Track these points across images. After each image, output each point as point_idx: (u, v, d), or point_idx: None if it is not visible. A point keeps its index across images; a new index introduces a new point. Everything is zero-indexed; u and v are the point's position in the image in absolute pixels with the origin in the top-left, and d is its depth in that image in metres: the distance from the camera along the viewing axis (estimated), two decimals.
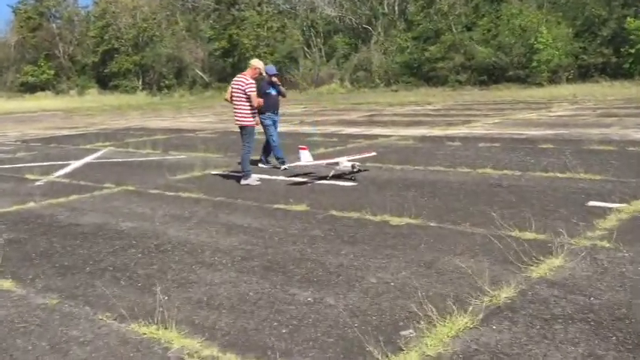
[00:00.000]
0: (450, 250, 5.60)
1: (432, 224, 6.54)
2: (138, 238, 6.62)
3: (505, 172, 9.53)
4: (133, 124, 25.41)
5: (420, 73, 47.96)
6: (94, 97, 55.23)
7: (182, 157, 13.58)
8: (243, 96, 9.68)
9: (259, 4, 56.24)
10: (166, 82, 57.95)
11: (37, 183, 10.76)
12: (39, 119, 32.59)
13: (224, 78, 55.94)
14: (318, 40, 56.63)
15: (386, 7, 55.04)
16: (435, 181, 9.06)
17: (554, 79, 40.12)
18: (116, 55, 59.45)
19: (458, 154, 11.83)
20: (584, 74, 40.87)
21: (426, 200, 7.78)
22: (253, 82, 9.78)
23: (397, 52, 50.84)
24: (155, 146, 15.51)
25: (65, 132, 22.71)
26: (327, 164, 9.67)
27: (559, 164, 9.91)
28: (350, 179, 9.47)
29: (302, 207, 7.69)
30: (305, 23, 57.81)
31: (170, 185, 9.87)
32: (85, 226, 7.29)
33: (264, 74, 10.77)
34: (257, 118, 10.26)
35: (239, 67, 53.43)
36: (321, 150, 13.40)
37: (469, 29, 47.73)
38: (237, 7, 56.41)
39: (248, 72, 9.84)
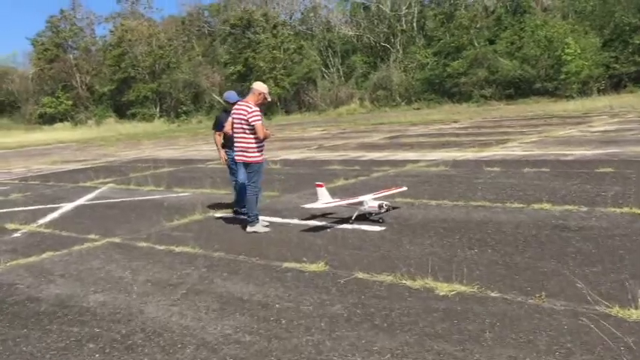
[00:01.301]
0: (530, 343, 3.93)
1: (493, 294, 4.87)
2: (104, 321, 5.05)
3: (567, 207, 7.81)
4: (143, 155, 24.11)
5: (442, 90, 46.37)
6: (111, 127, 54.41)
7: (186, 194, 12.06)
8: (247, 126, 8.07)
9: (274, 27, 55.29)
10: (184, 108, 57.08)
11: (15, 234, 9.30)
12: (51, 152, 31.53)
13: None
14: (336, 60, 55.43)
15: (404, 24, 53.71)
16: (482, 223, 7.38)
17: (584, 91, 38.21)
18: (133, 84, 58.79)
19: (502, 183, 10.14)
20: (616, 85, 38.93)
21: (477, 253, 6.10)
22: (257, 109, 8.08)
23: (417, 69, 49.36)
24: (159, 182, 14.05)
25: (71, 166, 21.43)
26: (350, 204, 8.05)
27: (632, 195, 8.17)
28: (377, 221, 7.84)
29: (319, 266, 6.07)
30: (322, 44, 56.69)
31: (164, 235, 8.33)
32: (44, 302, 5.75)
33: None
34: (222, 152, 9.28)
35: None
36: (341, 182, 11.80)
37: (492, 42, 46.14)
38: (252, 30, 55.50)
39: (250, 98, 8.14)
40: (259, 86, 8.22)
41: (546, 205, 7.97)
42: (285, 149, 20.81)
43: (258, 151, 8.12)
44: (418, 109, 44.17)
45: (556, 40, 40.48)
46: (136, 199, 12.06)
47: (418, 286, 5.22)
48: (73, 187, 14.74)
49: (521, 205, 8.14)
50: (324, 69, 55.08)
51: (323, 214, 8.58)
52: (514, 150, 14.94)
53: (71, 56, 65.61)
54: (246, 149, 8.08)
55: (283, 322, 4.68)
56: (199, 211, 9.66)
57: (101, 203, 11.84)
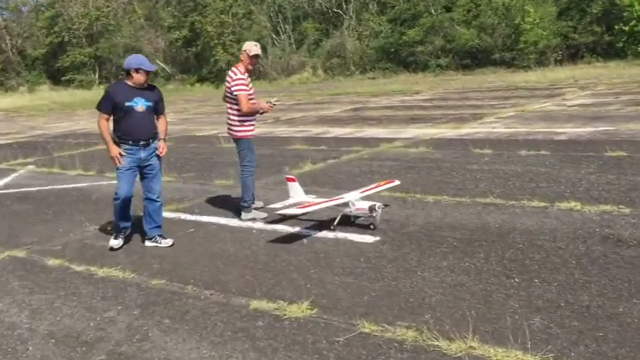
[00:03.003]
0: None
1: None
2: None
3: (603, 208, 6.20)
4: (76, 128, 21.56)
5: (397, 59, 44.66)
6: (44, 94, 50.50)
7: None
8: (231, 97, 6.81)
9: None
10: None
11: None
12: None
13: (188, 69, 51.99)
14: (287, 26, 52.95)
15: None
16: (504, 231, 5.69)
17: (542, 62, 37.24)
18: (69, 48, 54.76)
19: (502, 170, 8.51)
20: (573, 55, 38.08)
21: (522, 286, 4.40)
22: (243, 76, 6.70)
23: (372, 37, 47.53)
24: (89, 164, 11.84)
25: None
26: (332, 206, 6.21)
27: None
28: (368, 227, 6.07)
29: (302, 308, 4.26)
30: (272, 9, 54.04)
31: (86, 246, 6.34)
32: None
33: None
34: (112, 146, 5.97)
35: (204, 57, 49.58)
36: (308, 166, 9.97)
37: (448, 10, 44.55)
38: None
39: (240, 62, 6.85)
40: (246, 46, 6.84)
41: (575, 204, 6.35)
42: None
43: (244, 125, 6.84)
44: (373, 78, 42.47)
45: (514, 9, 39.29)
46: (58, 187, 9.90)
47: (456, 350, 3.48)
48: None
49: (544, 204, 6.49)
50: (274, 35, 52.58)
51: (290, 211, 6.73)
52: (495, 127, 13.38)
53: (0, 18, 60.72)
54: (231, 123, 6.91)
55: None
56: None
57: (12, 193, 9.63)
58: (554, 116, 14.46)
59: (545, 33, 37.40)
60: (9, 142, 18.08)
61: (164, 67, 53.40)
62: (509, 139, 11.42)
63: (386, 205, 6.53)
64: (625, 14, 34.92)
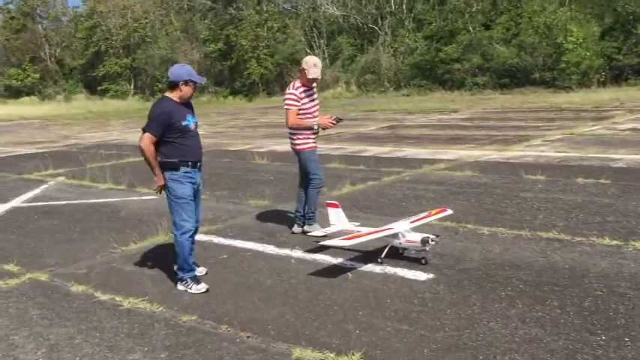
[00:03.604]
0: None
1: None
2: None
3: None
4: (109, 138, 21.40)
5: (433, 76, 43.98)
6: (80, 103, 51.06)
7: (150, 198, 9.55)
8: None
9: (258, 3, 52.31)
10: (159, 85, 53.83)
11: None
12: (8, 130, 28.57)
13: (221, 82, 52.05)
14: (321, 41, 52.75)
15: (393, 5, 51.17)
16: (576, 273, 5.05)
17: (584, 83, 36.21)
18: (105, 58, 55.35)
19: (561, 200, 7.84)
20: (617, 77, 36.97)
21: (607, 342, 3.77)
22: (295, 92, 6.45)
23: (406, 54, 46.98)
24: (120, 177, 11.49)
25: (23, 149, 18.66)
26: (379, 237, 5.64)
27: None
28: (419, 261, 5.49)
29: None
30: (307, 23, 53.91)
31: (112, 270, 5.87)
32: None
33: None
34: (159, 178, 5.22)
35: (237, 70, 49.57)
36: (347, 188, 9.42)
37: (487, 27, 43.78)
38: (234, 5, 52.46)
39: (300, 76, 6.64)
40: (305, 63, 6.55)
41: None
42: (271, 137, 18.32)
43: (299, 137, 6.61)
44: (408, 95, 41.92)
45: (556, 28, 38.38)
46: (87, 201, 9.52)
47: None
48: (14, 180, 12.11)
49: (616, 243, 5.83)
50: (308, 50, 52.38)
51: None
52: (543, 150, 12.66)
53: (40, 26, 61.74)
54: (290, 136, 6.74)
55: None
56: (165, 227, 7.17)
57: (40, 207, 9.26)
58: (606, 141, 13.67)
59: (588, 53, 36.41)
60: (42, 150, 17.93)
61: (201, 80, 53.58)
62: (562, 164, 10.73)
63: (437, 236, 5.92)
64: None
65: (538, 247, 5.87)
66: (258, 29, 49.35)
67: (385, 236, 5.55)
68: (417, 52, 46.20)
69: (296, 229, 6.88)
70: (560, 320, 4.15)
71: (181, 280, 5.20)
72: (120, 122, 30.58)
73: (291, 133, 6.67)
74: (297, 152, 6.72)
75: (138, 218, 8.05)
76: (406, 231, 5.55)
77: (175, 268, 5.27)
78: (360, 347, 3.87)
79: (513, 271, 5.20)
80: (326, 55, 52.39)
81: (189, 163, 5.18)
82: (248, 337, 4.17)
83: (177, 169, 5.12)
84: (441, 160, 11.75)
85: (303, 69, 6.47)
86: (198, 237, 6.41)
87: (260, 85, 48.78)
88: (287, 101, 6.49)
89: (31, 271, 5.92)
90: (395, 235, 5.55)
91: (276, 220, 7.57)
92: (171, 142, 5.10)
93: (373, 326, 4.22)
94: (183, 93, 5.14)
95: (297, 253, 6.09)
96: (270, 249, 6.29)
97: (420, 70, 45.12)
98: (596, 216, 6.91)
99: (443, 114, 24.91)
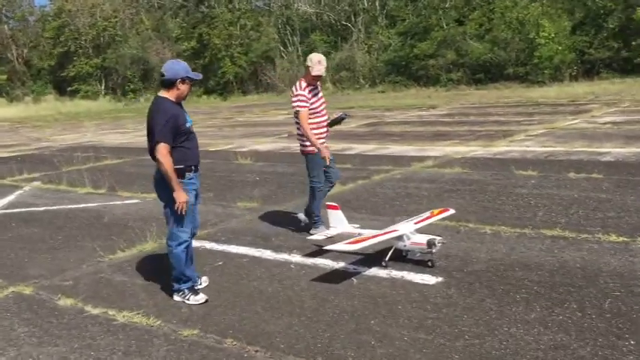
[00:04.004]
0: None
1: None
2: None
3: None
4: (83, 140, 20.84)
5: (408, 72, 44.03)
6: (50, 104, 49.89)
7: (134, 201, 9.23)
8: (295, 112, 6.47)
9: (230, 1, 51.74)
10: (131, 85, 53.04)
11: None
12: None
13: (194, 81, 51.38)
14: (295, 38, 52.46)
15: (366, 2, 51.08)
16: (589, 272, 4.89)
17: (556, 77, 36.56)
18: (75, 58, 54.25)
19: (557, 196, 7.71)
20: (589, 70, 37.38)
21: (637, 347, 3.60)
22: (304, 92, 6.25)
23: (381, 50, 46.95)
24: (99, 180, 11.10)
25: None
26: (383, 239, 5.41)
27: None
28: (426, 264, 5.29)
29: None
30: (280, 20, 53.56)
31: (102, 281, 5.55)
32: None
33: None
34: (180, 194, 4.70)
35: (211, 69, 48.95)
36: (336, 187, 9.14)
37: (461, 24, 43.95)
38: (206, 3, 51.83)
39: (305, 75, 6.40)
40: (310, 60, 6.33)
41: None
42: (250, 137, 18.01)
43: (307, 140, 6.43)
44: (383, 92, 41.86)
45: (528, 23, 38.67)
46: (67, 207, 9.13)
47: None
48: None
49: (623, 239, 5.69)
50: (282, 48, 52.06)
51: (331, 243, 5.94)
52: (528, 145, 12.59)
53: (6, 27, 60.27)
54: (299, 137, 6.57)
55: None
56: (154, 233, 6.86)
57: (17, 214, 8.84)
58: (589, 135, 13.66)
59: (560, 48, 36.74)
60: (14, 154, 17.35)
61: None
62: (550, 159, 10.64)
63: (442, 237, 5.72)
64: None
65: (544, 245, 5.70)
66: (231, 27, 48.84)
67: (391, 238, 5.31)
68: (390, 49, 46.22)
69: (313, 230, 6.65)
70: (583, 324, 3.97)
71: (178, 291, 4.91)
72: (93, 123, 29.90)
73: (300, 134, 6.49)
74: (304, 154, 6.59)
75: (123, 224, 7.71)
76: (411, 233, 5.34)
77: (171, 279, 4.97)
78: None
79: (524, 271, 5.02)
80: (300, 52, 52.13)
81: (193, 168, 4.86)
82: (256, 351, 3.92)
83: (182, 177, 4.75)
84: (429, 157, 11.59)
85: (308, 66, 6.27)
86: None
87: (234, 83, 48.30)
88: (297, 103, 6.27)
89: (13, 284, 5.57)
90: (399, 238, 5.33)
91: (269, 223, 7.31)
92: (177, 147, 4.71)
93: (388, 336, 4.00)
94: (180, 92, 4.78)
95: (296, 258, 5.84)
96: (267, 254, 6.03)
97: (394, 66, 45.13)
98: (596, 212, 6.78)
99: (422, 110, 24.83)
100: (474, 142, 13.68)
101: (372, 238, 5.18)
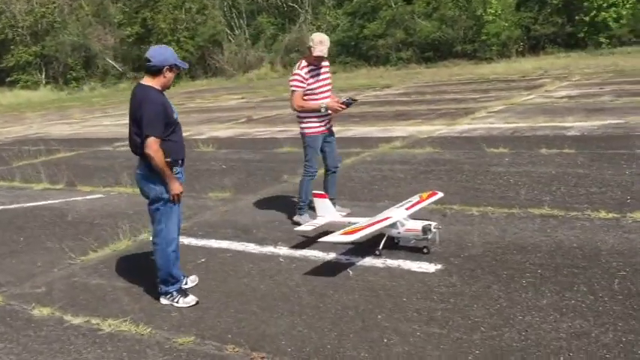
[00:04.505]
0: None
1: None
2: None
3: None
4: (30, 132, 19.90)
5: (358, 52, 43.91)
6: None
7: (97, 196, 8.75)
8: None
9: None
10: (73, 74, 51.17)
11: None
12: None
13: (140, 67, 49.93)
14: (241, 21, 51.52)
15: None
16: (588, 252, 4.81)
17: (503, 53, 37.09)
18: (12, 47, 51.90)
19: (534, 173, 7.66)
20: (535, 46, 38.03)
21: None
22: (299, 72, 6.03)
23: (329, 31, 46.62)
24: (56, 175, 10.52)
25: None
26: (376, 228, 5.19)
27: None
28: (421, 250, 5.11)
29: None
30: (226, 3, 52.47)
31: (77, 286, 5.16)
32: None
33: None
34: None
35: None
36: None
37: (409, 2, 43.99)
38: None
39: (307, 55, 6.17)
40: (311, 40, 6.05)
41: None
42: (207, 123, 17.51)
43: (304, 121, 6.22)
44: (334, 72, 41.06)
45: (475, 1, 39.02)
46: (24, 205, 8.59)
47: None
48: None
49: (613, 215, 5.65)
50: (229, 31, 51.06)
51: (321, 234, 5.71)
52: (492, 122, 12.59)
53: None
54: (297, 119, 6.33)
55: None
56: (126, 231, 6.47)
57: None
58: (548, 109, 13.78)
59: (506, 24, 37.24)
60: None
61: (115, 64, 51.32)
62: (517, 135, 10.64)
63: (433, 222, 5.55)
64: (585, 4, 34.99)
65: (535, 225, 5.61)
66: (176, 11, 47.57)
67: (384, 227, 5.10)
68: (339, 29, 45.95)
69: (296, 217, 6.46)
70: (598, 308, 3.86)
71: (165, 293, 4.59)
72: (37, 114, 28.62)
73: (298, 116, 6.26)
74: (302, 135, 6.34)
75: (89, 221, 7.28)
76: (406, 219, 5.15)
77: (157, 281, 4.64)
78: (397, 359, 3.43)
79: (523, 254, 4.90)
80: (247, 35, 51.28)
81: (180, 162, 4.54)
82: (263, 358, 3.66)
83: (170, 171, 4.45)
84: (396, 138, 11.44)
85: (309, 47, 6.02)
86: None
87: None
88: (292, 82, 6.09)
89: (22, 294, 5.11)
90: (393, 225, 5.13)
91: (246, 214, 7.02)
92: (165, 140, 4.39)
93: (400, 331, 3.80)
94: (166, 80, 4.45)
95: (283, 250, 5.58)
96: (251, 247, 5.75)
97: (344, 47, 44.89)
98: (578, 188, 6.75)
99: (376, 90, 24.73)
100: (436, 120, 13.63)
101: (367, 227, 4.96)
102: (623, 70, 22.15)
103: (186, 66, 4.77)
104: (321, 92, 6.15)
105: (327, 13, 47.87)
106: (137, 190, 8.67)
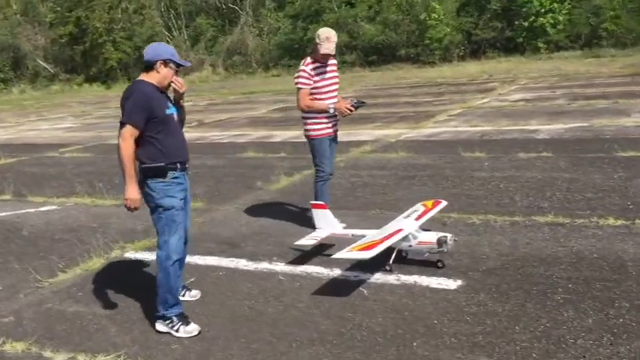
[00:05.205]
0: None
1: None
2: None
3: None
4: None
5: (301, 55, 43.39)
6: None
7: (52, 207, 7.98)
8: None
9: None
10: (1, 75, 48.62)
11: None
12: None
13: (73, 68, 48.02)
14: (180, 22, 50.31)
15: None
16: (612, 262, 4.56)
17: (446, 57, 37.64)
18: None
19: (523, 178, 7.45)
20: (475, 50, 38.74)
21: None
22: (305, 68, 5.62)
23: (272, 34, 46.13)
24: (1, 184, 9.62)
25: None
26: (388, 241, 4.77)
27: None
28: (435, 264, 4.74)
29: None
30: (163, 3, 51.11)
31: (51, 314, 4.51)
32: None
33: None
34: None
35: (92, 55, 45.78)
36: (284, 180, 8.48)
37: (352, 6, 44.05)
38: None
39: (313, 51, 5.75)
40: (318, 37, 5.60)
41: None
42: None
43: (309, 123, 5.81)
44: (278, 75, 41.15)
45: (418, 5, 39.45)
46: None
47: None
48: None
49: (622, 222, 5.45)
50: (167, 32, 49.72)
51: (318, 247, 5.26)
52: (455, 125, 12.46)
53: None
54: (302, 120, 5.93)
55: None
56: (96, 247, 5.81)
57: None
58: (509, 113, 13.78)
59: (448, 29, 37.80)
60: None
61: (46, 66, 49.11)
62: (486, 139, 10.51)
63: (449, 234, 5.16)
64: (524, 10, 35.93)
65: (545, 234, 5.34)
66: (112, 11, 45.92)
67: (396, 240, 4.69)
68: (281, 32, 45.52)
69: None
70: None
71: (163, 318, 4.02)
72: None
73: (302, 117, 5.83)
74: (307, 139, 5.91)
75: (49, 237, 6.55)
76: (417, 231, 4.76)
77: (156, 302, 4.06)
78: None
79: (545, 266, 4.60)
80: (186, 37, 50.11)
81: (178, 166, 4.01)
82: None
83: (164, 176, 3.94)
84: (364, 142, 11.12)
85: (316, 43, 5.58)
86: (141, 255, 5.29)
87: (119, 70, 45.54)
88: (298, 79, 5.65)
89: None
90: (404, 238, 4.73)
91: (226, 225, 6.49)
92: (154, 139, 3.92)
93: None
94: (161, 76, 3.97)
95: (281, 267, 5.09)
96: (244, 264, 5.23)
97: (287, 50, 44.49)
98: (574, 194, 6.55)
99: None
100: (398, 124, 13.45)
101: (383, 241, 4.52)
102: (567, 74, 22.68)
103: (188, 64, 4.30)
104: (328, 91, 5.72)
105: (268, 16, 47.38)
106: (97, 201, 8.06)
